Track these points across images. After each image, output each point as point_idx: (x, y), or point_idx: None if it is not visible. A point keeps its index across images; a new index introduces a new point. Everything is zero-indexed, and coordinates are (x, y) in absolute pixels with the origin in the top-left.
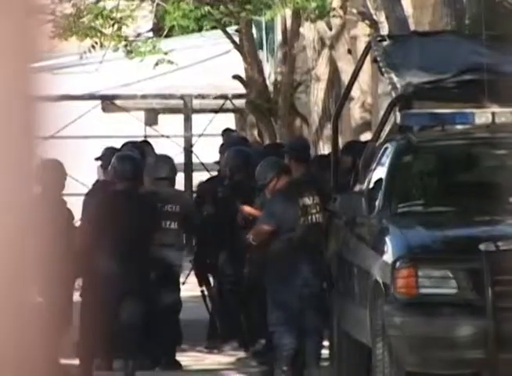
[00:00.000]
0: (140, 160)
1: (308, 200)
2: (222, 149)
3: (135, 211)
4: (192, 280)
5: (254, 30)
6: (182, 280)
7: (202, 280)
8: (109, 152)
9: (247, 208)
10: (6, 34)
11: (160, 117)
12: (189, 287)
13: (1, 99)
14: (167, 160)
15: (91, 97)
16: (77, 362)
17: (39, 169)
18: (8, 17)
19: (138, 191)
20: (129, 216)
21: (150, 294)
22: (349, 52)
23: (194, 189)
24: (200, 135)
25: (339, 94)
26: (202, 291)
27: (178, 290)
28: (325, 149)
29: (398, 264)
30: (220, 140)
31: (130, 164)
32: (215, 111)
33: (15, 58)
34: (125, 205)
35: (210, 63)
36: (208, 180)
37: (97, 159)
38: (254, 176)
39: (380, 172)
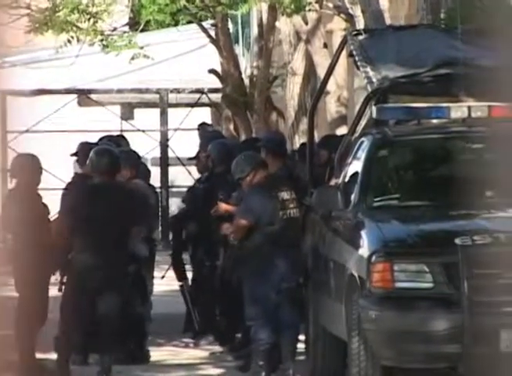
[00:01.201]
0: (118, 154)
1: (286, 195)
2: (202, 144)
3: (113, 204)
4: (171, 274)
5: (229, 25)
6: (161, 274)
7: (180, 275)
8: (84, 147)
9: (223, 206)
10: None
11: (136, 111)
12: (167, 282)
13: None
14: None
15: (67, 91)
16: (53, 356)
17: (14, 164)
18: None
19: (117, 184)
20: (107, 209)
21: (127, 288)
22: (325, 46)
23: (170, 184)
24: (176, 130)
25: (315, 88)
26: (181, 286)
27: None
28: (300, 143)
29: (373, 258)
30: (196, 134)
31: (108, 158)
32: (191, 105)
33: None
34: (103, 198)
35: (186, 57)
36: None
37: (73, 155)
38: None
39: (355, 166)
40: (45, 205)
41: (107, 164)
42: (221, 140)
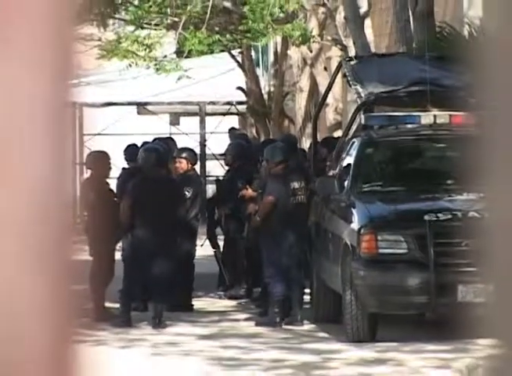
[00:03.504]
0: (164, 151)
1: (296, 184)
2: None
3: (162, 191)
4: (207, 243)
5: (252, 53)
6: (200, 243)
7: (214, 244)
8: (130, 148)
9: (248, 191)
10: (59, 59)
11: (182, 119)
12: (205, 248)
13: (58, 106)
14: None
15: (129, 103)
16: (118, 305)
17: (89, 158)
18: (60, 46)
19: (164, 175)
20: (157, 195)
21: (174, 252)
22: (325, 69)
23: (207, 174)
24: (211, 133)
25: (317, 101)
26: (214, 252)
27: (194, 249)
28: (307, 143)
29: (362, 230)
30: (227, 137)
31: (155, 154)
32: (223, 114)
33: (64, 76)
34: (155, 187)
35: (219, 77)
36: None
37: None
38: (252, 162)
39: (348, 160)
40: (111, 190)
41: (155, 159)
42: (238, 141)
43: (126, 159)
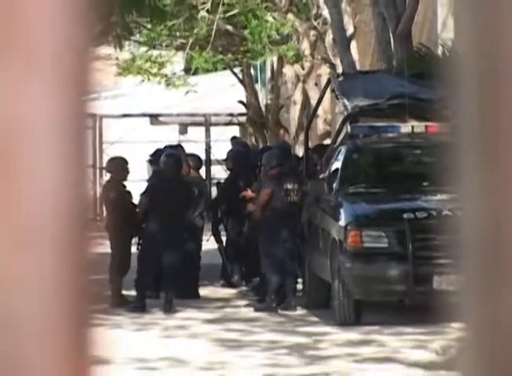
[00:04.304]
0: (180, 157)
1: (289, 186)
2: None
3: (176, 191)
4: (212, 238)
5: (251, 70)
6: (206, 238)
7: (218, 239)
8: (157, 152)
9: (248, 193)
10: (80, 76)
11: (189, 128)
12: (210, 243)
13: (76, 117)
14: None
15: (143, 115)
16: (133, 293)
17: (109, 163)
18: (80, 65)
19: (179, 178)
20: (171, 194)
21: (182, 246)
22: (316, 84)
23: (211, 177)
24: (215, 141)
25: (309, 113)
26: (218, 246)
27: (200, 244)
28: (300, 150)
29: (348, 227)
30: (229, 144)
31: (173, 159)
32: (226, 124)
33: (85, 91)
34: (169, 187)
35: (222, 92)
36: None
37: (149, 160)
38: (251, 168)
39: (336, 165)
40: (128, 192)
41: (172, 164)
42: (237, 148)
43: (151, 162)
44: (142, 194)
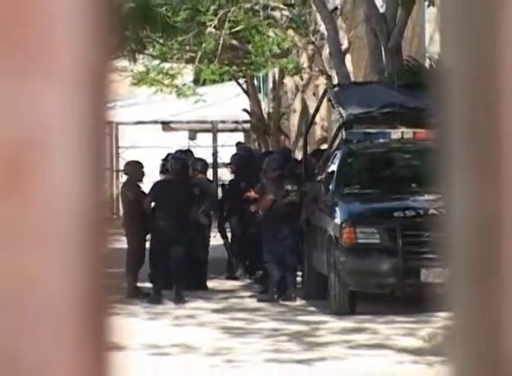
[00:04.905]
0: (186, 160)
1: (289, 187)
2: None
3: (181, 191)
4: (219, 235)
5: (255, 81)
6: (213, 234)
7: (223, 236)
8: (169, 157)
9: (251, 194)
10: (97, 87)
11: (198, 134)
12: (217, 239)
13: (96, 124)
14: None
15: (155, 122)
16: (149, 285)
17: (126, 166)
18: (98, 76)
19: (185, 179)
20: (177, 194)
21: (189, 242)
22: (314, 94)
23: (218, 179)
24: (222, 146)
25: (307, 120)
26: (224, 242)
27: (208, 240)
28: (299, 154)
29: (343, 225)
30: (234, 149)
31: (180, 163)
32: (231, 131)
33: (103, 100)
34: (176, 187)
35: (228, 101)
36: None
37: (163, 160)
38: (254, 171)
39: (332, 168)
40: (143, 192)
41: (179, 166)
42: (239, 153)
43: (164, 165)
44: (147, 194)
